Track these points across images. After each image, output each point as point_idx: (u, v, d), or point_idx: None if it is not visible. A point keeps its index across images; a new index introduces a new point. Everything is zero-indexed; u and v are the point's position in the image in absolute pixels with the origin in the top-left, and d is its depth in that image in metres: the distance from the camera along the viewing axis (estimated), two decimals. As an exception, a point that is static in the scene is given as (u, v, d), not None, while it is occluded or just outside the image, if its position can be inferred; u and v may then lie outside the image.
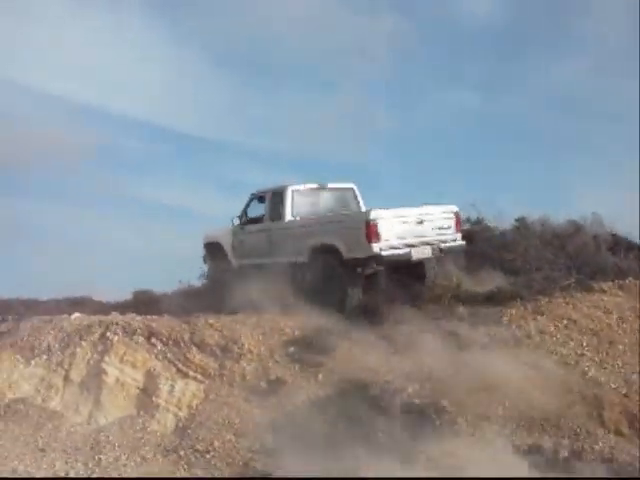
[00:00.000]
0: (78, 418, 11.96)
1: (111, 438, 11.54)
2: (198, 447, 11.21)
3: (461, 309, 10.98)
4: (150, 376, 12.49)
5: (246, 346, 12.59)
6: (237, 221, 13.42)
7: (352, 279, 11.28)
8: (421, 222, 11.29)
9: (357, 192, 13.16)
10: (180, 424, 11.79)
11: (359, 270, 11.19)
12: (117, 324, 13.31)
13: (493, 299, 11.04)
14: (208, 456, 11.03)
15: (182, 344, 12.89)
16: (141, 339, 13.03)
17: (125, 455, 11.16)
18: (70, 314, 14.43)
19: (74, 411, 12.08)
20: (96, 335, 13.11)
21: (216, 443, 11.24)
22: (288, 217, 12.55)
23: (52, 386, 12.48)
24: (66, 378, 12.44)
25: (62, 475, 10.77)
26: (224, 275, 13.28)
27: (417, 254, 11.14)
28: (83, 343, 12.70)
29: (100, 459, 11.08)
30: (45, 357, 13.00)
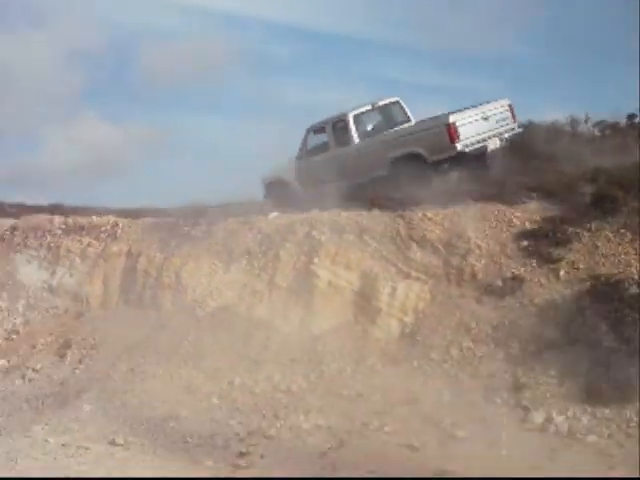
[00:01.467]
0: (288, 326, 11.16)
1: (329, 347, 10.48)
2: (433, 356, 9.66)
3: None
4: (366, 278, 11.17)
5: (473, 241, 10.78)
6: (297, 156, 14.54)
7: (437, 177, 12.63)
8: (487, 118, 12.82)
9: (403, 104, 14.45)
10: (407, 330, 10.36)
11: (444, 168, 12.87)
12: (322, 221, 12.16)
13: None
14: (446, 366, 9.47)
15: (399, 241, 11.41)
16: (352, 237, 11.70)
17: (349, 366, 10.01)
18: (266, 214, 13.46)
19: (283, 319, 11.31)
20: (300, 235, 12.13)
21: (453, 351, 9.61)
22: (356, 140, 13.79)
23: (256, 292, 11.83)
24: (271, 283, 11.80)
25: (283, 388, 9.91)
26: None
27: (491, 145, 12.67)
28: (287, 244, 12.00)
29: (322, 371, 10.05)
30: (245, 261, 12.35)
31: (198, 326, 11.63)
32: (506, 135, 13.13)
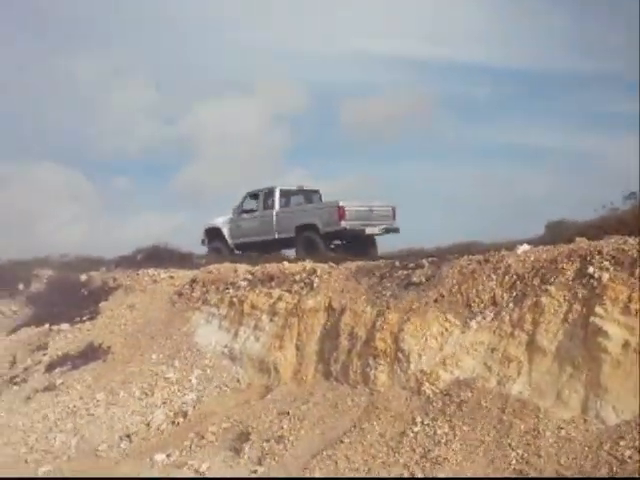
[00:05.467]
0: (566, 412, 9.20)
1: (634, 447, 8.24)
2: None
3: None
4: None
5: None
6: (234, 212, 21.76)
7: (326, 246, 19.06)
8: (371, 210, 19.43)
9: (320, 192, 21.94)
10: None
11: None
12: (600, 253, 10.22)
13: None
14: None
15: None
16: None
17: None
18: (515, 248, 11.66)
19: (555, 399, 9.42)
20: (569, 273, 10.33)
21: None
22: (277, 207, 20.75)
23: (510, 359, 10.12)
24: (531, 345, 10.09)
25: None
26: None
27: (369, 230, 19.19)
28: (550, 288, 10.34)
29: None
30: (491, 315, 10.75)
31: (427, 409, 10.32)
32: (383, 226, 19.42)
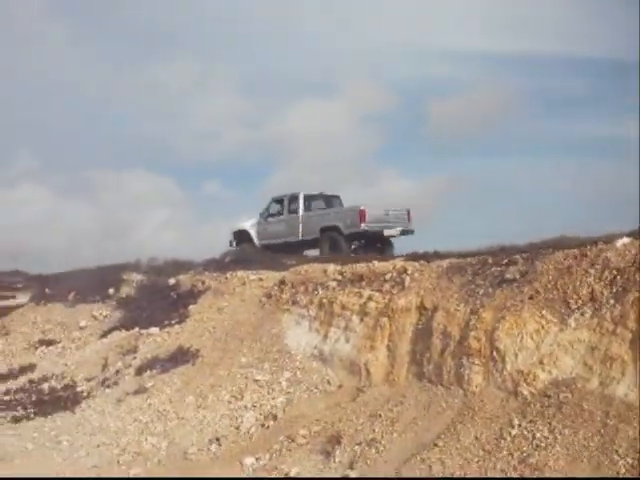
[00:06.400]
0: None
1: None
2: None
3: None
4: None
5: None
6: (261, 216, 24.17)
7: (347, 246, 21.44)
8: (388, 214, 21.65)
9: (340, 198, 24.35)
10: None
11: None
12: None
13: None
14: None
15: None
16: None
17: None
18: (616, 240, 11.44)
19: None
20: None
21: None
22: (301, 212, 23.00)
23: (612, 359, 9.96)
24: (635, 343, 9.91)
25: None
26: None
27: (387, 232, 21.42)
28: None
29: None
30: (589, 312, 10.62)
31: (524, 411, 10.26)
32: (399, 229, 21.46)
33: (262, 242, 23.67)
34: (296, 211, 23.12)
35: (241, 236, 24.28)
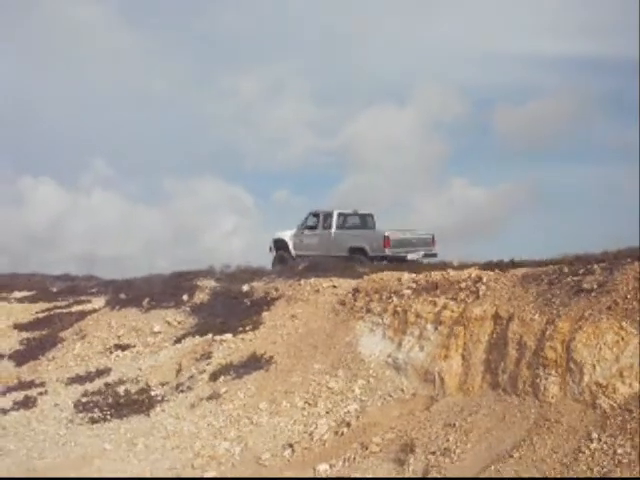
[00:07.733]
0: None
1: None
2: None
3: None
4: None
5: None
6: (298, 228, 26.32)
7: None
8: (413, 239, 23.97)
9: (374, 216, 26.32)
10: None
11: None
12: None
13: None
14: None
15: None
16: None
17: None
18: None
19: None
20: None
21: None
22: (334, 229, 25.12)
23: None
24: None
25: None
26: None
27: (409, 256, 23.24)
28: None
29: None
30: None
31: (604, 425, 10.00)
32: (422, 252, 23.39)
33: (297, 252, 25.71)
34: (329, 227, 25.07)
35: (280, 244, 26.42)
